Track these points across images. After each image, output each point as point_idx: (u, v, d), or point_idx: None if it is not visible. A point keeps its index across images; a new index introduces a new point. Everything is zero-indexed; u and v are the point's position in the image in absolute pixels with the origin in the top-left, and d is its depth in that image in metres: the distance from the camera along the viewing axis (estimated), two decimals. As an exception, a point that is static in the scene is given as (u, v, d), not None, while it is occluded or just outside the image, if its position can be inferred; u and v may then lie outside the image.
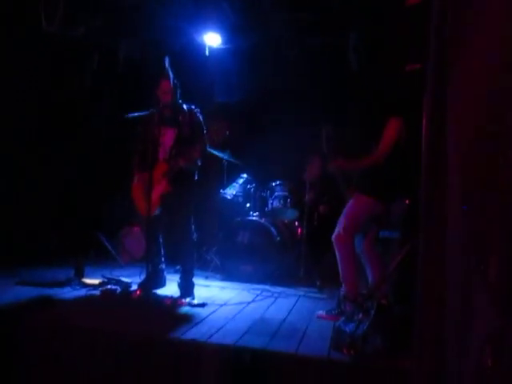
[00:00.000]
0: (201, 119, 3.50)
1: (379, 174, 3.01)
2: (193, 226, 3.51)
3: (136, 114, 3.34)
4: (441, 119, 1.56)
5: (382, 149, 2.97)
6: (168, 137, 3.45)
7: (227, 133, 3.26)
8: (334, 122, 3.58)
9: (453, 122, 1.53)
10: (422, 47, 1.99)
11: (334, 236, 3.06)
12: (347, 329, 2.41)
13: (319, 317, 3.05)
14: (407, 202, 3.45)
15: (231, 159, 4.84)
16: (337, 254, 3.05)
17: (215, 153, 4.53)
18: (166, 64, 3.38)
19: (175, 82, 3.42)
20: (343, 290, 3.07)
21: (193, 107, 3.52)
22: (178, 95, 3.47)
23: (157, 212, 3.40)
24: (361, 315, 2.41)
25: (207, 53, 5.04)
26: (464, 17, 1.52)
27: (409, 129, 2.97)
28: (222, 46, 5.03)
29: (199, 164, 3.48)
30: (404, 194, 3.26)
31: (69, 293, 3.39)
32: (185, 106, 3.50)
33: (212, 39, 4.93)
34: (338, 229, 3.04)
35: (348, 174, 3.21)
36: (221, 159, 4.88)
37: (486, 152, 1.38)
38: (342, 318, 2.56)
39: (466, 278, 1.37)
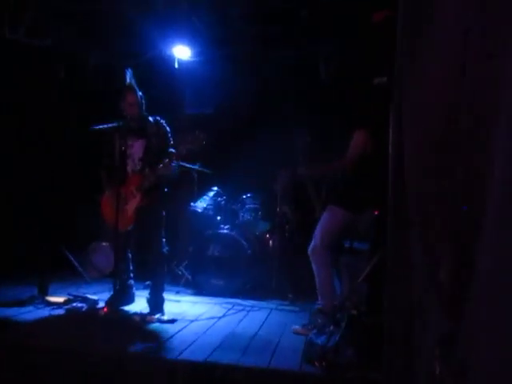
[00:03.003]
0: (167, 129, 3.48)
1: (349, 186, 3.05)
2: (164, 240, 3.44)
3: (101, 126, 3.27)
4: (400, 128, 1.60)
5: (348, 155, 3.01)
6: (136, 148, 3.41)
7: (204, 143, 3.21)
8: (307, 134, 3.62)
9: (407, 127, 1.58)
10: (388, 61, 2.05)
11: (310, 249, 3.06)
12: (319, 341, 2.40)
13: (295, 332, 3.01)
14: (376, 213, 3.50)
15: (202, 169, 4.81)
16: (314, 267, 3.04)
17: (186, 165, 4.48)
18: (128, 77, 3.34)
19: (140, 93, 3.38)
20: (320, 303, 3.05)
21: (158, 118, 3.50)
22: (143, 107, 3.43)
23: (131, 227, 3.33)
24: (332, 327, 2.40)
25: (176, 65, 5.02)
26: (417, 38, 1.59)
27: (375, 141, 3.02)
28: (192, 59, 5.02)
29: (170, 176, 3.44)
30: (372, 205, 3.29)
31: (31, 312, 3.24)
32: (150, 118, 3.47)
33: (182, 52, 4.92)
34: (314, 241, 3.04)
35: (318, 186, 3.23)
36: (191, 172, 4.83)
37: (433, 162, 1.42)
38: (314, 331, 2.55)
39: (422, 286, 1.39)
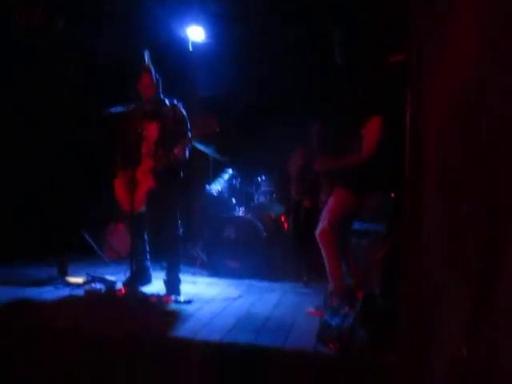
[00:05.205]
0: (184, 113, 3.46)
1: (357, 170, 2.98)
2: (179, 222, 3.47)
3: (117, 109, 3.27)
4: (420, 105, 1.56)
5: (367, 149, 2.92)
6: (151, 131, 3.40)
7: (217, 129, 3.20)
8: (319, 117, 3.57)
9: (429, 104, 1.53)
10: (404, 38, 1.99)
11: (317, 231, 3.05)
12: (333, 322, 2.40)
13: (309, 313, 3.03)
14: (393, 195, 3.45)
15: (215, 155, 4.80)
16: (321, 249, 3.03)
17: (200, 148, 4.48)
18: (146, 58, 3.31)
19: (157, 75, 3.36)
20: (330, 285, 3.06)
21: (175, 101, 3.47)
22: (160, 89, 3.41)
23: (143, 208, 3.36)
24: (347, 309, 2.40)
25: (191, 47, 4.97)
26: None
27: (389, 125, 2.94)
28: (205, 41, 4.97)
29: (186, 160, 3.44)
30: (384, 187, 3.22)
31: (51, 292, 3.32)
32: (167, 100, 3.45)
33: (195, 33, 4.87)
34: (322, 224, 3.03)
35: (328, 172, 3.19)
36: (206, 154, 4.83)
37: (460, 139, 1.37)
38: (328, 312, 2.56)
39: (443, 267, 1.36)
